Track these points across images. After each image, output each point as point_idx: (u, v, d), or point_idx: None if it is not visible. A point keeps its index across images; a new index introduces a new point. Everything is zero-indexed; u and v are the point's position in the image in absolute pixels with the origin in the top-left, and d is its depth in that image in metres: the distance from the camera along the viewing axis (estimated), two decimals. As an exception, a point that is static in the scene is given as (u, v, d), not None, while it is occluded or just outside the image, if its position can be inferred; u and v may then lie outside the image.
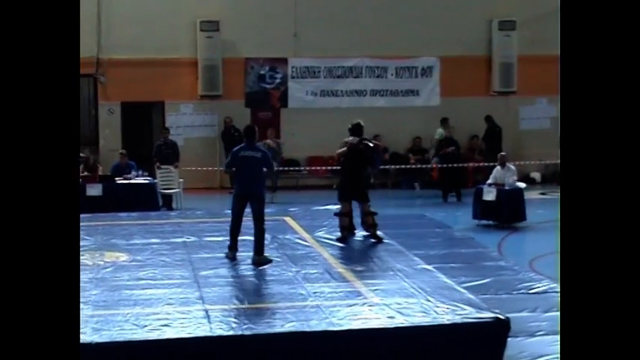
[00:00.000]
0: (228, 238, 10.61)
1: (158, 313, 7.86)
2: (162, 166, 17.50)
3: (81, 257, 10.37)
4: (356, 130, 11.81)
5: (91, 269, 9.81)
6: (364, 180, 12.09)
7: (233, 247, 10.60)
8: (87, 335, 7.16)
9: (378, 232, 11.64)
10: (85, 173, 16.67)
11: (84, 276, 9.43)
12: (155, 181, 16.85)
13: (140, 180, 16.57)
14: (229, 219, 10.73)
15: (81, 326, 7.32)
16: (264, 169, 10.72)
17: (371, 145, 11.96)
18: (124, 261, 10.33)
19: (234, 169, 10.78)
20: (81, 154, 19.03)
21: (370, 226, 11.68)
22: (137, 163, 17.41)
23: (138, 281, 9.27)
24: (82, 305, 8.05)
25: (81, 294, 8.52)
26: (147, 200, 15.90)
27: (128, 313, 7.86)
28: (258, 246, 10.40)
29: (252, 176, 10.55)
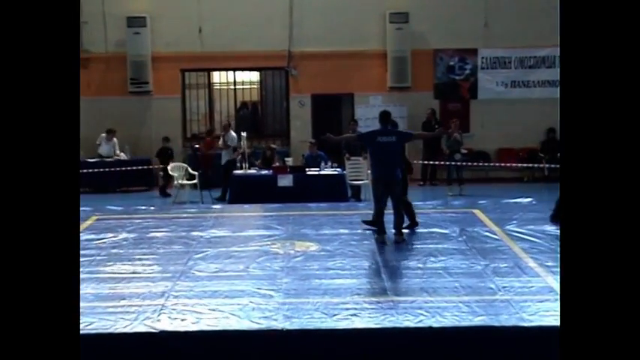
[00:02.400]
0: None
1: (347, 303, 7.93)
2: (352, 158, 17.67)
3: (272, 246, 10.70)
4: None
5: (282, 258, 10.04)
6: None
7: (382, 232, 10.99)
8: (278, 322, 7.32)
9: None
10: (277, 164, 17.13)
11: (275, 264, 9.68)
12: (344, 172, 17.04)
13: (329, 171, 16.81)
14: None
15: (272, 313, 7.55)
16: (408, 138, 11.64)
17: None
18: (313, 250, 10.50)
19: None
20: (272, 145, 19.56)
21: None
22: (327, 154, 17.68)
23: (327, 271, 9.39)
24: (273, 293, 8.31)
25: (272, 282, 8.80)
26: (336, 191, 16.10)
27: (318, 302, 7.97)
28: (399, 227, 10.97)
29: (390, 161, 11.00)
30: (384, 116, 11.27)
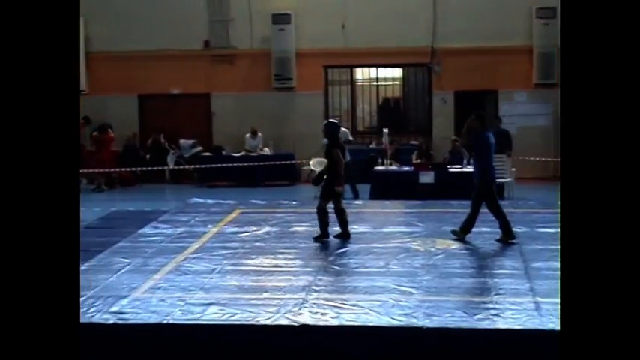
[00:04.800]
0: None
1: (488, 303, 7.81)
2: (495, 155, 17.37)
3: (413, 243, 10.65)
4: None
5: (423, 255, 9.97)
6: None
7: (468, 231, 10.87)
8: (418, 320, 7.27)
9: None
10: (419, 160, 17.06)
11: (416, 262, 9.63)
12: (487, 169, 16.77)
13: (471, 169, 16.57)
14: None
15: (412, 310, 7.50)
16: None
17: None
18: (454, 248, 10.39)
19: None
20: (414, 142, 19.50)
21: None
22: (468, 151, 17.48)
23: (468, 269, 9.28)
24: (413, 290, 8.26)
25: (413, 279, 8.74)
26: (478, 189, 15.87)
27: (458, 300, 7.88)
28: (505, 227, 10.71)
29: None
30: (485, 117, 11.22)
